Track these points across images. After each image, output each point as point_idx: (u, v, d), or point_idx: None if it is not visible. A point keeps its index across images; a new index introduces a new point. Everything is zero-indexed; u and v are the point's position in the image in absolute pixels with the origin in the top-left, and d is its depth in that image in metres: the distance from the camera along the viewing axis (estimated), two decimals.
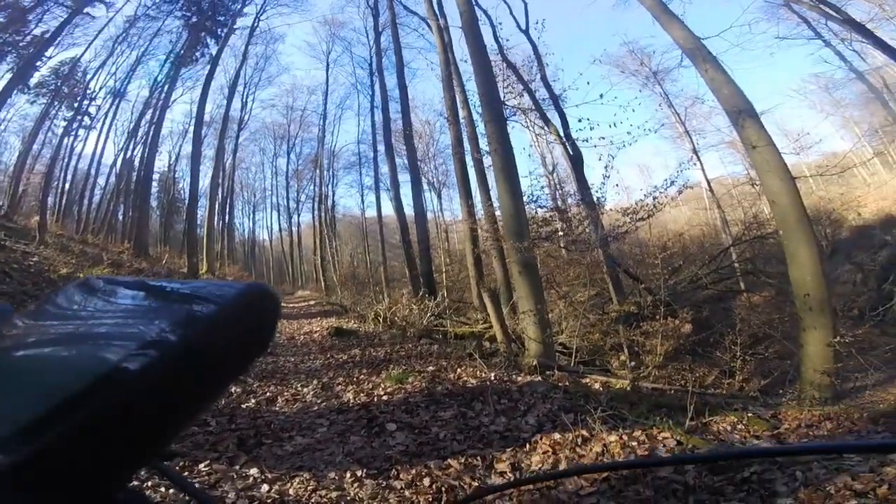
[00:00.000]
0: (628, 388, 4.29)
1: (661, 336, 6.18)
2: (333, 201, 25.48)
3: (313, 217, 25.19)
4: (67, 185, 19.39)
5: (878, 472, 1.64)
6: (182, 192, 26.28)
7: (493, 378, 4.26)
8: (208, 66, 18.25)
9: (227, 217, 25.31)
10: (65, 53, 18.18)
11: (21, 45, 15.56)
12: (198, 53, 19.01)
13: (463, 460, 2.62)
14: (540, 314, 6.14)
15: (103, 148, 20.68)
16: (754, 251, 10.70)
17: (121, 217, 20.63)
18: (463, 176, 10.68)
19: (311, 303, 16.62)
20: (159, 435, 0.27)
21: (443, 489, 2.37)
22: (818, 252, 5.92)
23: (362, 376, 5.15)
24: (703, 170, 18.23)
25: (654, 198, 8.04)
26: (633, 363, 5.28)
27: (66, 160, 19.23)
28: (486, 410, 3.36)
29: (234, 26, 19.26)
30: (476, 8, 9.09)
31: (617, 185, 15.02)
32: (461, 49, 16.98)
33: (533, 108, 11.11)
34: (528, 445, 2.72)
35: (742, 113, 6.49)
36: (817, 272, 5.60)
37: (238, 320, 0.30)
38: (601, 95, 9.81)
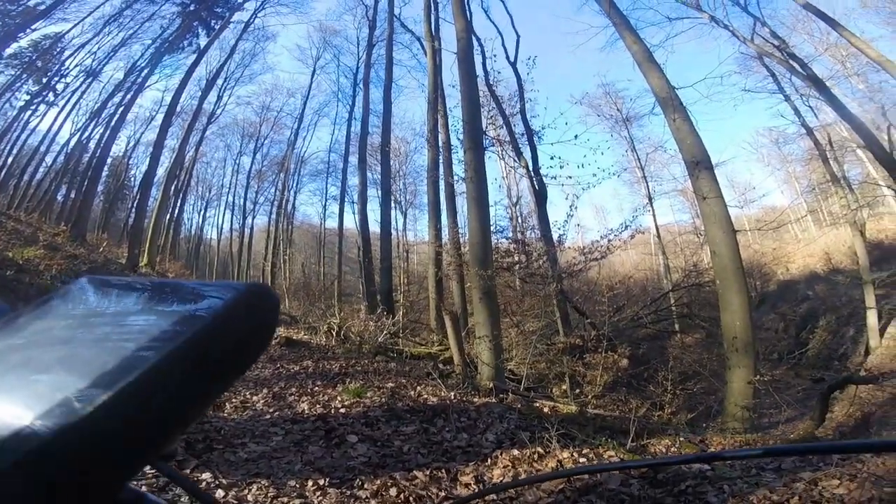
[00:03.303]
0: (575, 412, 4.62)
1: (602, 368, 6.66)
2: (293, 207, 24.92)
3: (269, 221, 24.38)
4: (10, 159, 17.72)
5: (790, 486, 1.99)
6: (133, 179, 24.78)
7: (452, 398, 4.43)
8: (193, 56, 17.61)
9: (177, 211, 24.02)
10: (51, 27, 16.87)
11: (11, 14, 14.37)
12: (186, 42, 18.29)
13: (428, 472, 2.74)
14: (495, 340, 6.39)
15: (61, 125, 19.12)
16: (691, 297, 11.69)
17: (60, 198, 19.04)
18: (434, 199, 10.88)
19: None
20: (159, 435, 0.27)
21: (410, 499, 2.46)
22: (748, 301, 6.65)
23: (317, 388, 5.11)
24: (653, 216, 19.26)
25: (609, 240, 8.58)
26: (576, 391, 5.64)
27: (16, 133, 17.62)
28: (448, 427, 3.51)
29: (231, 20, 18.79)
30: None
31: (578, 224, 15.60)
32: (450, 74, 17.53)
33: (509, 140, 11.51)
34: (489, 460, 2.90)
35: (699, 164, 7.06)
36: (746, 319, 6.30)
37: (238, 320, 0.30)
38: (576, 136, 10.42)
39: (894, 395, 5.68)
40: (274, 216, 23.91)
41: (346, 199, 20.93)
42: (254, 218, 26.18)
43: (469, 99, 7.73)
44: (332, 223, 24.65)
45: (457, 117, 9.37)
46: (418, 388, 5.01)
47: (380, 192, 14.71)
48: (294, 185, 24.59)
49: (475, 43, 10.31)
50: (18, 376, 0.30)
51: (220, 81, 21.41)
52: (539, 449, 2.95)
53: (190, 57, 18.00)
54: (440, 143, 10.92)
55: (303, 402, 4.56)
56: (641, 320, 10.96)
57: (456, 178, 9.82)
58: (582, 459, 2.83)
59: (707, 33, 16.40)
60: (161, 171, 19.03)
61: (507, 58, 12.99)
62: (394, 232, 19.50)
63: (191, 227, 29.27)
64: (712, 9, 13.57)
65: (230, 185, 27.03)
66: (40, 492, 0.22)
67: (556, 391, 6.65)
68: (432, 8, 13.23)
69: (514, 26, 13.60)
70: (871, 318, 10.81)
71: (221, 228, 28.91)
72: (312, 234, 26.89)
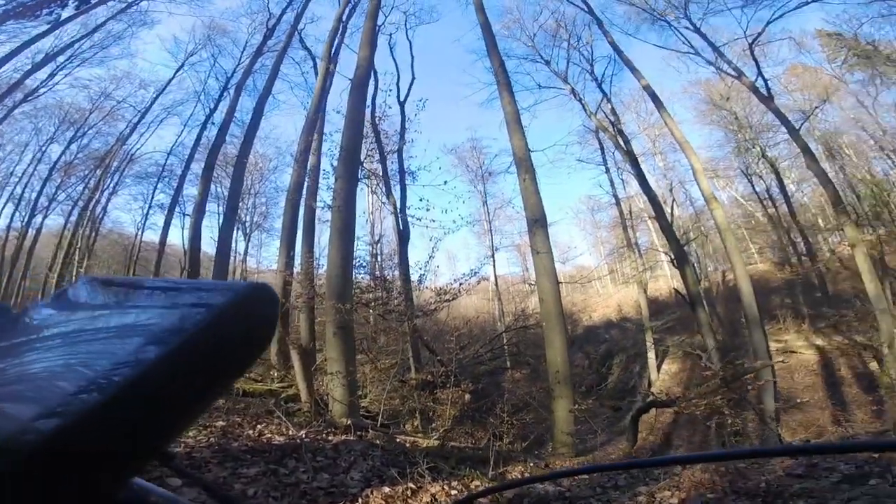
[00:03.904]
0: (437, 446, 4.65)
1: (450, 403, 6.97)
2: (105, 211, 20.11)
3: (66, 223, 19.18)
4: None
5: (634, 500, 2.35)
6: None
7: (304, 436, 4.03)
8: (45, 28, 13.70)
9: None
10: None
11: None
12: (45, 10, 14.01)
13: None
14: (350, 376, 6.10)
15: None
16: (519, 338, 13.25)
17: None
18: (291, 224, 10.06)
19: None
20: (160, 434, 0.27)
21: None
22: (567, 341, 7.85)
23: None
24: (494, 266, 21.26)
25: (461, 283, 9.27)
26: (432, 425, 5.72)
27: None
28: (303, 467, 3.16)
29: None
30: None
31: (437, 266, 16.40)
32: (338, 99, 16.99)
33: (382, 175, 11.55)
34: (359, 500, 2.70)
35: (537, 222, 8.19)
36: (565, 355, 7.42)
37: (238, 320, 0.30)
38: (445, 182, 10.96)
39: (674, 419, 7.35)
40: (74, 218, 18.92)
41: (176, 210, 17.96)
42: (45, 217, 20.38)
43: (353, 128, 7.63)
44: (151, 236, 20.85)
45: (335, 143, 9.23)
46: (258, 426, 4.45)
47: (224, 207, 13.09)
48: (112, 184, 20.03)
49: (371, 75, 10.38)
50: (20, 376, 0.29)
51: (61, 58, 16.91)
52: (411, 484, 2.87)
53: (41, 27, 14.05)
54: (309, 167, 10.42)
55: None
56: (481, 358, 11.86)
57: (321, 204, 9.39)
58: (453, 491, 2.85)
59: (566, 104, 18.83)
60: None
61: (398, 96, 13.23)
62: (232, 255, 17.44)
63: None
64: (575, 81, 15.90)
65: (24, 173, 20.69)
66: (43, 490, 0.22)
67: (410, 426, 6.62)
68: (339, 31, 13.08)
69: (412, 68, 14.22)
70: (651, 356, 14.04)
71: None
72: (123, 246, 22.11)
